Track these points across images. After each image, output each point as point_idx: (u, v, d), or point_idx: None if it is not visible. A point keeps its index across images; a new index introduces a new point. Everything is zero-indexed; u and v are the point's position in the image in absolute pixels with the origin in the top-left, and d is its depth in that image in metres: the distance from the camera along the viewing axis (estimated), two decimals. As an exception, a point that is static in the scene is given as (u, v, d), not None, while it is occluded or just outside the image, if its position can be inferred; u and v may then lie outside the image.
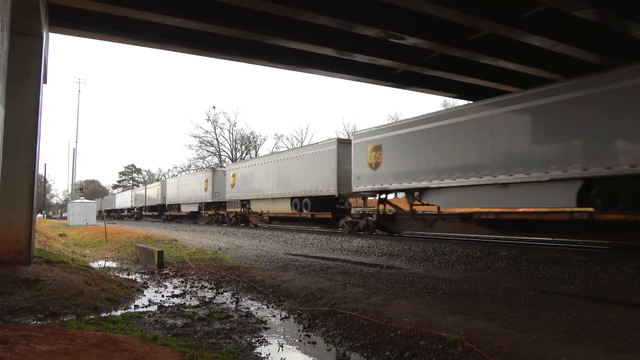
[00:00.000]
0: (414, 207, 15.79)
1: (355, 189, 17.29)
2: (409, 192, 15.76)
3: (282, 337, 6.24)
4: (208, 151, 69.93)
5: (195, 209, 34.58)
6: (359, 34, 12.20)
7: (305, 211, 21.50)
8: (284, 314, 7.35)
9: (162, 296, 8.69)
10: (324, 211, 20.79)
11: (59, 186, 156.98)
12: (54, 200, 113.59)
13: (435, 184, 14.21)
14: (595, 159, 10.09)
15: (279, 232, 20.90)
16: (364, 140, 17.29)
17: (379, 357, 5.26)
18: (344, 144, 19.20)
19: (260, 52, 14.07)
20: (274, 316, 7.26)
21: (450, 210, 15.54)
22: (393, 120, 23.42)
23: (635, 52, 12.15)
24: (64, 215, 69.90)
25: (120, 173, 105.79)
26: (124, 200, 57.22)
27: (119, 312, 7.17)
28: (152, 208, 45.20)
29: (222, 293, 9.01)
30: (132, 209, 52.63)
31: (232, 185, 28.26)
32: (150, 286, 9.80)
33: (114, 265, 13.93)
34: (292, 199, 22.37)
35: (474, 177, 12.94)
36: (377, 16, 11.25)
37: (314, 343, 5.94)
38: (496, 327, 5.30)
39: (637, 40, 11.72)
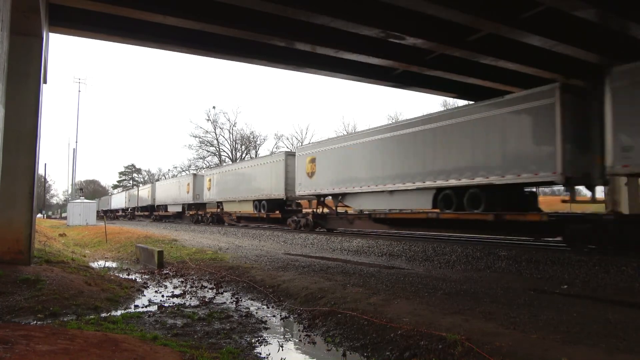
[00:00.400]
0: (337, 208, 20.65)
1: (298, 193, 21.59)
2: (334, 196, 20.60)
3: (282, 337, 6.24)
4: (208, 151, 69.92)
5: (179, 209, 38.43)
6: (359, 34, 12.20)
7: (262, 211, 25.79)
8: (284, 314, 7.35)
9: (162, 296, 8.69)
10: (276, 210, 25.66)
11: (59, 186, 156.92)
12: (54, 200, 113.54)
13: (350, 190, 18.59)
14: (441, 175, 14.22)
15: (279, 232, 20.95)
16: (304, 153, 22.02)
17: (379, 357, 5.26)
18: (291, 156, 23.60)
19: (260, 52, 14.07)
20: (274, 316, 7.26)
21: (353, 210, 20.18)
22: (328, 137, 27.81)
23: (635, 52, 12.14)
24: (63, 215, 71.12)
25: (120, 173, 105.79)
26: (119, 201, 59.70)
27: (119, 312, 7.17)
28: (144, 208, 48.20)
29: (222, 293, 9.01)
30: (126, 209, 55.69)
31: (209, 189, 32.05)
32: (150, 286, 9.80)
33: (114, 265, 13.92)
34: (253, 201, 26.40)
35: (373, 185, 17.07)
36: (377, 16, 11.25)
37: (314, 343, 5.94)
38: (496, 327, 5.30)
39: (637, 40, 11.72)
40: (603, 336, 4.85)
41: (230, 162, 53.26)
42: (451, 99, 46.34)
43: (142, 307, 7.66)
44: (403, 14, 11.31)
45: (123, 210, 55.91)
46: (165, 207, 41.37)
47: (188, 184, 35.40)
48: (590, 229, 10.95)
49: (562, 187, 13.11)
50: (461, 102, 20.85)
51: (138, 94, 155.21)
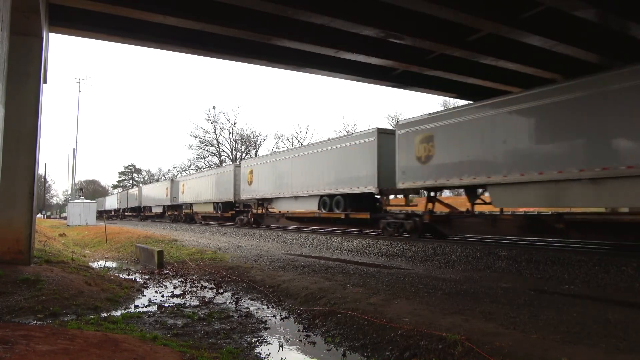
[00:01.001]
0: (269, 209, 22.85)
1: (242, 198, 22.86)
2: (265, 200, 22.79)
3: (282, 337, 6.24)
4: (208, 151, 70.00)
5: (161, 210, 43.93)
6: (359, 34, 12.20)
7: (219, 212, 31.07)
8: (284, 314, 7.35)
9: (162, 296, 8.69)
10: (228, 211, 30.16)
11: (59, 186, 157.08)
12: (54, 200, 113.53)
13: (273, 196, 22.24)
14: (323, 186, 19.63)
15: (279, 232, 20.96)
16: (245, 165, 24.16)
17: (379, 357, 5.26)
18: (238, 167, 27.72)
19: (260, 52, 14.08)
20: (274, 316, 7.25)
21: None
22: (263, 155, 32.20)
23: (636, 52, 12.16)
24: (62, 215, 72.75)
25: (120, 173, 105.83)
26: (112, 202, 64.14)
27: (119, 312, 7.17)
28: (133, 209, 53.32)
29: (222, 293, 9.01)
30: (118, 209, 59.59)
31: (182, 193, 37.47)
32: (150, 286, 9.80)
33: (114, 265, 13.92)
34: (213, 203, 32.01)
35: (285, 193, 22.98)
36: (377, 16, 11.25)
37: (314, 343, 5.94)
38: (496, 327, 5.30)
39: (637, 40, 11.73)
40: (603, 336, 4.85)
41: (196, 171, 60.09)
42: (451, 99, 46.30)
43: (142, 307, 7.66)
44: (403, 14, 11.31)
45: (115, 210, 59.89)
46: (150, 208, 46.98)
47: (167, 188, 40.91)
48: (392, 223, 16.27)
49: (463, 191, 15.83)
50: (461, 102, 20.80)
51: (138, 94, 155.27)
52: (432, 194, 15.63)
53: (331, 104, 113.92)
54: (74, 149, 51.86)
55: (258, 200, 25.99)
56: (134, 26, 12.40)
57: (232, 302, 8.12)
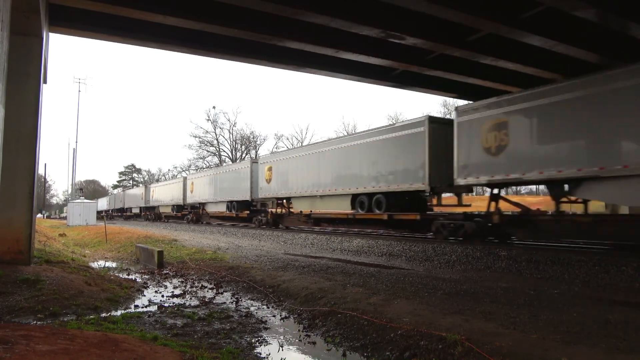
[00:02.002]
0: (291, 209, 21.21)
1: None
2: (285, 199, 20.98)
3: (282, 337, 6.24)
4: (208, 151, 70.02)
5: (138, 210, 52.46)
6: (359, 34, 12.20)
7: (233, 212, 30.07)
8: (284, 314, 7.35)
9: (162, 296, 8.69)
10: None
11: (59, 186, 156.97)
12: (54, 200, 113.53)
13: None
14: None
15: (279, 232, 20.94)
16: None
17: (379, 357, 5.26)
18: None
19: (260, 52, 14.07)
20: (274, 316, 7.25)
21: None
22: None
23: (636, 52, 12.15)
24: (61, 215, 76.20)
25: (120, 173, 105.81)
26: (103, 203, 69.92)
27: (119, 312, 7.17)
28: (119, 210, 61.53)
29: (222, 293, 9.01)
30: (108, 210, 65.76)
31: (152, 197, 45.77)
32: (150, 286, 9.80)
33: (114, 265, 13.92)
34: (171, 206, 39.68)
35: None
36: (377, 16, 11.25)
37: (314, 343, 5.94)
38: (496, 327, 5.30)
39: (637, 40, 11.72)
40: (603, 336, 4.85)
41: (158, 182, 68.74)
42: (451, 99, 46.28)
43: (142, 307, 7.66)
44: (403, 14, 11.31)
45: (105, 211, 64.32)
46: (130, 209, 55.32)
47: (142, 193, 49.88)
48: (447, 225, 14.02)
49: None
50: (462, 102, 20.78)
51: (138, 94, 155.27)
52: (495, 191, 13.69)
53: (331, 104, 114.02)
54: (74, 149, 51.98)
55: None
56: (134, 26, 12.39)
57: (232, 302, 8.12)
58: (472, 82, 16.21)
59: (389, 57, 13.95)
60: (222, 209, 30.63)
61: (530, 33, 11.28)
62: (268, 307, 7.81)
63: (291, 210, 23.53)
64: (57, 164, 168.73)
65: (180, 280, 10.53)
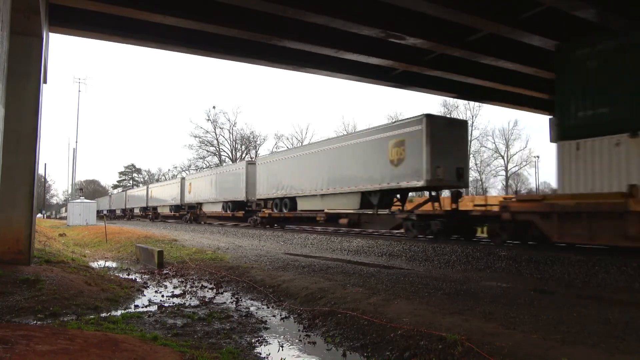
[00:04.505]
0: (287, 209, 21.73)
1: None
2: (282, 199, 21.71)
3: (282, 337, 6.24)
4: (208, 151, 69.95)
5: (138, 210, 55.59)
6: (359, 34, 12.21)
7: (228, 212, 31.08)
8: (284, 314, 7.35)
9: (162, 296, 8.69)
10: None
11: (59, 186, 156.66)
12: (54, 200, 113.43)
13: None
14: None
15: (279, 232, 20.94)
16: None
17: (379, 357, 5.25)
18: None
19: (261, 52, 14.08)
20: (274, 316, 7.25)
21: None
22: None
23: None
24: (59, 216, 78.25)
25: (120, 173, 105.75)
26: (104, 203, 72.16)
27: (119, 312, 7.16)
28: (120, 210, 64.23)
29: (222, 293, 9.01)
30: (108, 210, 68.80)
31: (151, 197, 47.90)
32: (150, 286, 9.80)
33: (114, 265, 13.92)
34: (169, 206, 41.53)
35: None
36: (377, 16, 11.26)
37: (314, 343, 5.94)
38: (496, 327, 5.30)
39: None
40: (603, 336, 4.84)
41: (158, 181, 71.58)
42: (451, 98, 46.29)
43: (142, 307, 7.66)
44: (403, 14, 11.32)
45: (107, 210, 66.13)
46: (130, 209, 57.49)
47: (141, 193, 52.41)
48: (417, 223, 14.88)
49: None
50: (461, 102, 20.79)
51: (138, 94, 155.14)
52: (433, 193, 15.66)
53: (331, 104, 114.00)
54: (74, 149, 52.18)
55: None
56: (134, 26, 12.40)
57: (232, 302, 8.12)
58: (472, 82, 16.22)
59: (389, 57, 13.96)
60: (218, 209, 31.24)
61: (530, 33, 11.30)
62: (268, 307, 7.81)
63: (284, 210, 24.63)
64: (57, 164, 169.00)
65: (180, 280, 10.53)
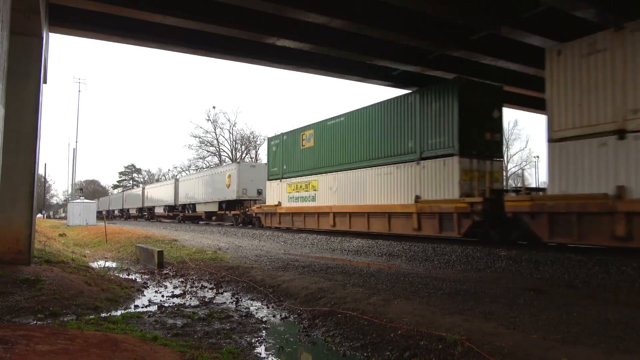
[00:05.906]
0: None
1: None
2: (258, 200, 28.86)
3: (282, 337, 6.24)
4: (208, 151, 69.89)
5: (118, 212, 63.18)
6: (358, 34, 12.20)
7: (168, 212, 43.47)
8: (284, 314, 7.35)
9: (162, 296, 8.69)
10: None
11: (59, 186, 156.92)
12: (54, 200, 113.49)
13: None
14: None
15: (279, 232, 20.94)
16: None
17: (379, 357, 5.25)
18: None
19: (260, 52, 14.07)
20: (274, 316, 7.25)
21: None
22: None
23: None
24: (57, 217, 79.68)
25: (120, 173, 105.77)
26: (104, 203, 74.68)
27: (119, 312, 7.16)
28: (119, 210, 66.78)
29: (222, 293, 9.01)
30: (108, 210, 71.65)
31: (147, 197, 51.01)
32: (150, 286, 9.80)
33: (114, 265, 13.92)
34: (163, 206, 44.92)
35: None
36: (377, 16, 11.25)
37: (314, 343, 5.94)
38: (496, 327, 5.30)
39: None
40: (603, 336, 4.85)
41: (158, 182, 73.54)
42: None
43: (142, 307, 7.65)
44: (403, 14, 11.32)
45: (106, 210, 67.57)
46: (129, 209, 59.85)
47: (139, 194, 54.54)
48: None
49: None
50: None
51: (138, 94, 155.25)
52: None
53: (331, 104, 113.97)
54: (74, 149, 52.16)
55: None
56: (134, 26, 12.40)
57: (232, 302, 8.12)
58: (472, 82, 16.17)
59: (389, 57, 13.95)
60: (211, 208, 33.90)
61: (530, 33, 11.29)
62: (268, 307, 7.81)
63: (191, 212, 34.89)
64: (57, 164, 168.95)
65: (180, 280, 10.53)
